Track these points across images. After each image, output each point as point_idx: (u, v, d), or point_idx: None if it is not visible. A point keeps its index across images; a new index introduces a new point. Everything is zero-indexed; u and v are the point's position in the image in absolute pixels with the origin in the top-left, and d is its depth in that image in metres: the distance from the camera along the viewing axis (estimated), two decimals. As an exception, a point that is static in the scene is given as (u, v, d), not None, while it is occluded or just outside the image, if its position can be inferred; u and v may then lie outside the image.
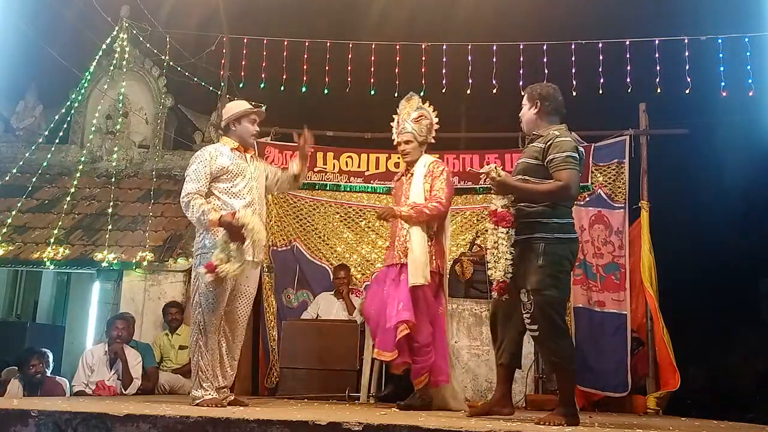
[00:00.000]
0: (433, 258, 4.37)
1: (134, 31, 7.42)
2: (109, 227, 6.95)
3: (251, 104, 4.26)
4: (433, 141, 4.68)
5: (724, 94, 6.15)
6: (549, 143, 3.42)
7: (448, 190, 4.47)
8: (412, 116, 4.58)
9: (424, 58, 6.45)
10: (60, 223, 6.93)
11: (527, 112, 3.64)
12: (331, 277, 6.55)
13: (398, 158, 6.76)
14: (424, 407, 4.17)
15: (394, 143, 4.69)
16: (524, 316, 3.39)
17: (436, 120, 4.65)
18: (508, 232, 3.51)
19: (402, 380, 4.63)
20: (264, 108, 4.38)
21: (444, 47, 6.51)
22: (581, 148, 3.48)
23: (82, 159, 7.65)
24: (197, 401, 3.63)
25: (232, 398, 3.94)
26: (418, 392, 4.33)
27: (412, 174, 4.55)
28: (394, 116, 4.76)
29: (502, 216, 3.48)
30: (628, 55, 6.30)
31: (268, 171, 4.27)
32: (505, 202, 3.51)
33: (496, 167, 3.56)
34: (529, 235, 3.41)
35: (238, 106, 4.16)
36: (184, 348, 6.23)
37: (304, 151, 4.30)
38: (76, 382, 5.66)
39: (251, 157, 4.13)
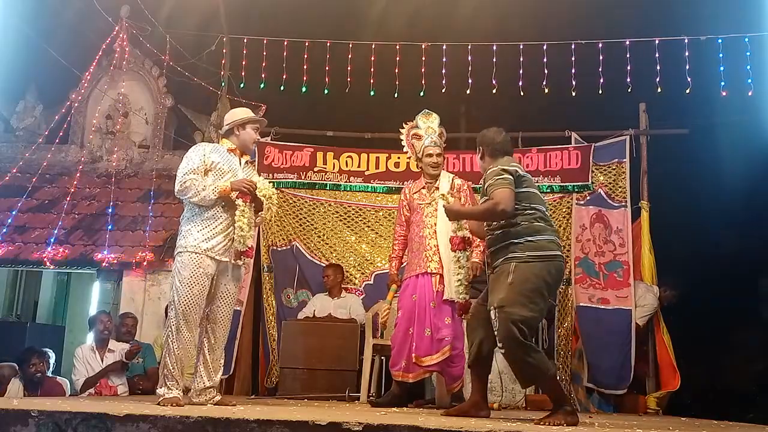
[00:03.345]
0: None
1: (134, 31, 7.42)
2: (109, 227, 6.95)
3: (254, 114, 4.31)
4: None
5: (724, 94, 6.15)
6: (484, 178, 3.66)
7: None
8: (437, 132, 4.86)
9: (424, 58, 6.46)
10: (60, 223, 6.93)
11: (478, 159, 3.91)
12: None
13: (398, 158, 6.81)
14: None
15: (422, 154, 4.85)
16: (496, 335, 3.42)
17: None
18: (456, 255, 4.03)
19: (400, 386, 4.67)
20: (264, 108, 4.46)
21: (444, 47, 6.51)
22: (512, 167, 3.58)
23: (82, 159, 7.65)
24: (159, 400, 3.61)
25: (219, 398, 3.93)
26: (453, 396, 4.58)
27: (437, 188, 4.74)
28: (404, 123, 4.99)
29: (451, 240, 4.09)
30: (628, 55, 6.30)
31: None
32: (455, 226, 4.07)
33: (443, 195, 4.13)
34: (505, 257, 3.49)
35: (243, 112, 4.19)
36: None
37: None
38: (77, 376, 5.66)
39: (246, 162, 4.14)
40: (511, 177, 3.51)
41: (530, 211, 3.53)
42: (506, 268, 3.45)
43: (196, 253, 3.81)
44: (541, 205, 3.61)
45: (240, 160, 4.08)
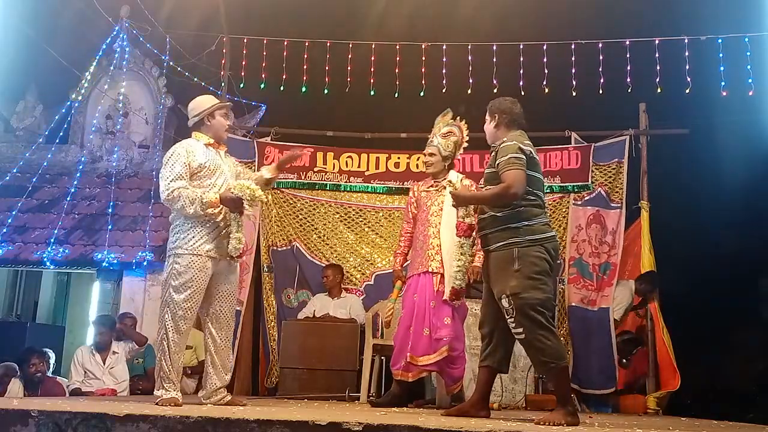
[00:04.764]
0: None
1: (134, 31, 7.42)
2: (109, 227, 6.95)
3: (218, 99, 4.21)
4: (459, 158, 4.99)
5: (725, 93, 6.15)
6: (497, 150, 3.58)
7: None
8: (442, 131, 4.79)
9: (424, 58, 6.46)
10: (60, 223, 6.93)
11: (488, 126, 3.81)
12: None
13: (398, 158, 6.83)
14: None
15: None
16: (508, 321, 3.43)
17: (467, 137, 4.83)
18: (460, 241, 3.95)
19: (400, 386, 4.67)
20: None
21: (444, 47, 6.51)
22: (527, 148, 3.53)
23: (82, 159, 7.65)
24: (157, 401, 3.59)
25: (230, 398, 3.93)
26: (453, 397, 4.57)
27: (443, 187, 4.69)
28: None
29: (457, 225, 3.99)
30: (628, 55, 6.30)
31: (238, 170, 4.16)
32: (462, 213, 3.95)
33: (451, 182, 4.04)
34: (504, 242, 3.48)
35: (209, 100, 4.06)
36: (189, 347, 6.23)
37: (285, 163, 4.37)
38: (70, 380, 5.68)
39: (225, 153, 4.07)
40: (524, 158, 3.48)
41: (532, 197, 3.52)
42: (508, 254, 3.45)
43: (197, 255, 3.77)
44: (542, 191, 3.62)
45: (219, 152, 4.00)
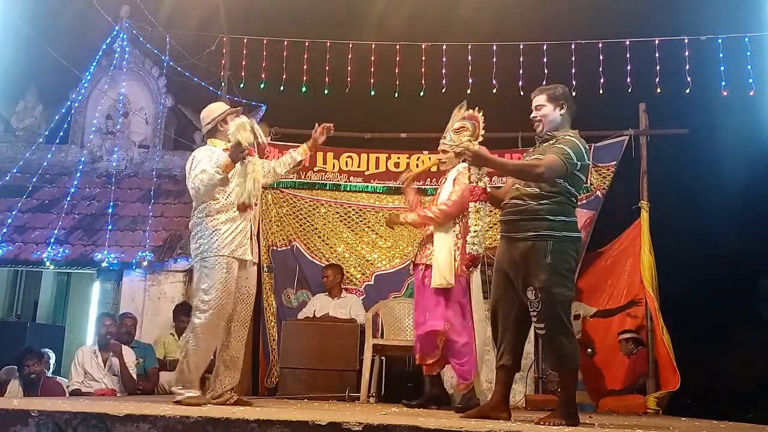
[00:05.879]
0: (458, 261, 4.48)
1: (134, 31, 7.42)
2: (109, 227, 6.95)
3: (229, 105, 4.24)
4: None
5: (725, 93, 6.15)
6: (557, 139, 3.45)
7: (461, 195, 4.48)
8: (454, 126, 4.71)
9: (424, 58, 6.46)
10: (60, 223, 6.93)
11: (552, 113, 3.54)
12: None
13: (398, 158, 6.85)
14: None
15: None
16: (531, 314, 3.35)
17: (482, 131, 4.67)
18: (476, 206, 3.81)
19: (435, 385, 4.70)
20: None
21: (444, 47, 6.51)
22: (587, 156, 3.45)
23: (82, 159, 7.65)
24: (178, 398, 3.62)
25: (236, 399, 3.95)
26: (467, 395, 4.50)
27: (446, 179, 4.73)
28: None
29: (471, 190, 3.81)
30: (628, 55, 6.29)
31: (262, 164, 4.22)
32: (475, 177, 3.77)
33: (471, 140, 3.92)
34: (537, 232, 3.36)
35: (219, 107, 4.10)
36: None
37: (318, 143, 4.38)
38: (70, 380, 5.68)
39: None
40: (575, 163, 3.37)
41: (573, 198, 3.47)
42: (541, 245, 3.34)
43: (221, 256, 3.81)
44: (579, 193, 3.57)
45: None
